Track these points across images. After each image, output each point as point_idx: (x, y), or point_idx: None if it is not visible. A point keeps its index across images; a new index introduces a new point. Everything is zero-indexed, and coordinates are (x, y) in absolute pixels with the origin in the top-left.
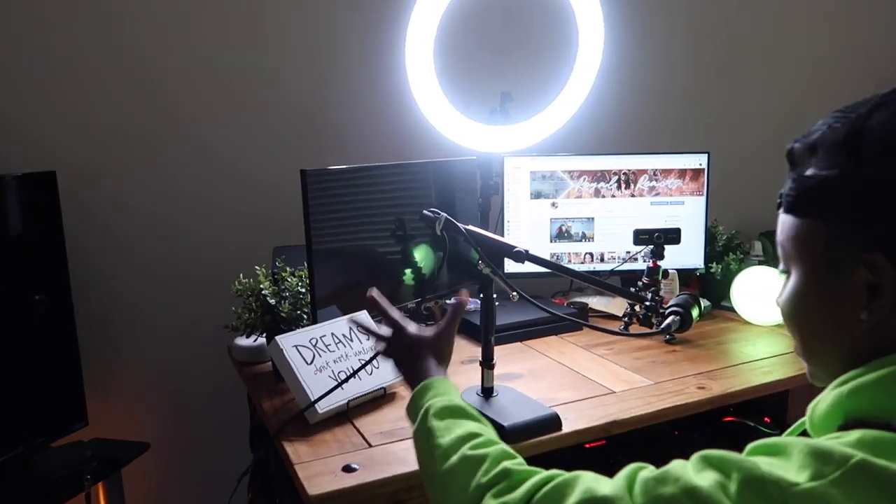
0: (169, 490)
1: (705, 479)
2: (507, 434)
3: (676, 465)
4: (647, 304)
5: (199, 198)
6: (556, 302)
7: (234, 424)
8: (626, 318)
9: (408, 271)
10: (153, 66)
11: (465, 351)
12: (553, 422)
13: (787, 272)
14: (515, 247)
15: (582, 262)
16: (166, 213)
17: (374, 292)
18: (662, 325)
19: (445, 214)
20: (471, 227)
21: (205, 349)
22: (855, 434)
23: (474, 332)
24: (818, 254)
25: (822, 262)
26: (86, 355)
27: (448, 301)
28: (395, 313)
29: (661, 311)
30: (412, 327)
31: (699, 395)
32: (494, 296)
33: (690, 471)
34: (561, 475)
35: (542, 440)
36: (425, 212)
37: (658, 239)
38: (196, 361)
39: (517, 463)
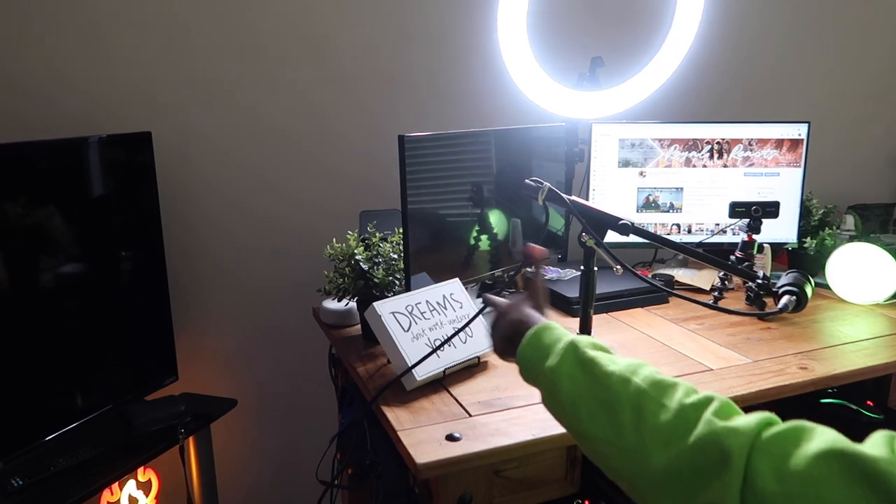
0: (254, 446)
1: None
2: None
3: None
4: (759, 281)
5: (294, 161)
6: (640, 272)
7: (317, 385)
8: (715, 293)
9: (486, 238)
10: (257, 33)
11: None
12: None
13: None
14: (621, 219)
15: (668, 234)
16: (259, 173)
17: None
18: (780, 306)
19: (549, 184)
20: (575, 198)
21: (290, 309)
22: None
23: (558, 303)
24: None
25: None
26: (176, 313)
27: (528, 269)
28: (497, 299)
29: (774, 290)
30: (506, 298)
31: (802, 376)
32: (595, 269)
33: None
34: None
35: None
36: (528, 181)
37: (756, 212)
38: (281, 322)
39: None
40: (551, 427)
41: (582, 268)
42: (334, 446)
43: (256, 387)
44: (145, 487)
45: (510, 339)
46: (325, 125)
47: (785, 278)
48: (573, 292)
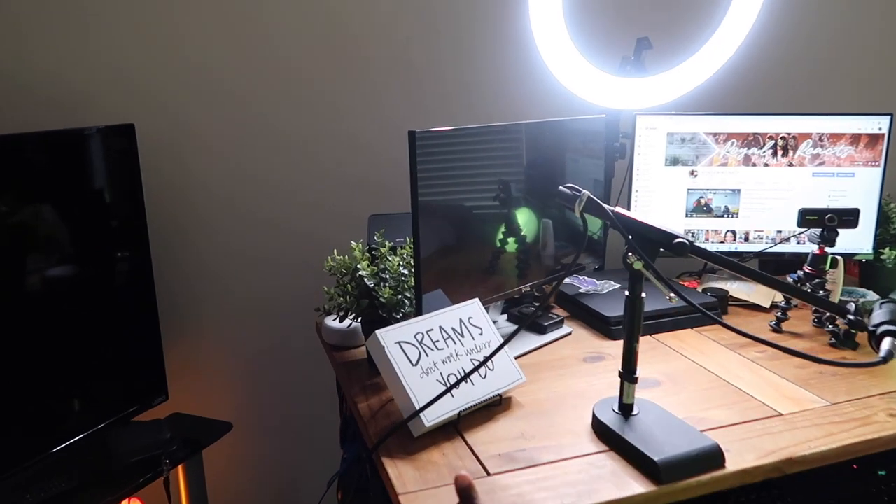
0: (251, 475)
1: None
2: (660, 471)
3: None
4: (851, 318)
5: (298, 158)
6: (687, 285)
7: (323, 409)
8: (778, 314)
9: (514, 240)
10: (254, 15)
11: (586, 344)
12: (714, 456)
13: None
14: (677, 236)
15: (722, 242)
16: (257, 172)
17: (468, 478)
18: (882, 354)
19: (588, 192)
20: (619, 210)
21: (293, 325)
22: None
23: (595, 322)
24: None
25: None
26: (165, 324)
27: None
28: None
29: (868, 327)
30: None
31: (893, 427)
32: (643, 295)
33: None
34: None
35: (701, 480)
36: (563, 188)
37: (830, 221)
38: (283, 339)
39: None
40: (587, 496)
41: (627, 294)
42: (335, 486)
43: (254, 408)
44: None
45: None
46: (334, 120)
47: (881, 313)
48: (612, 310)
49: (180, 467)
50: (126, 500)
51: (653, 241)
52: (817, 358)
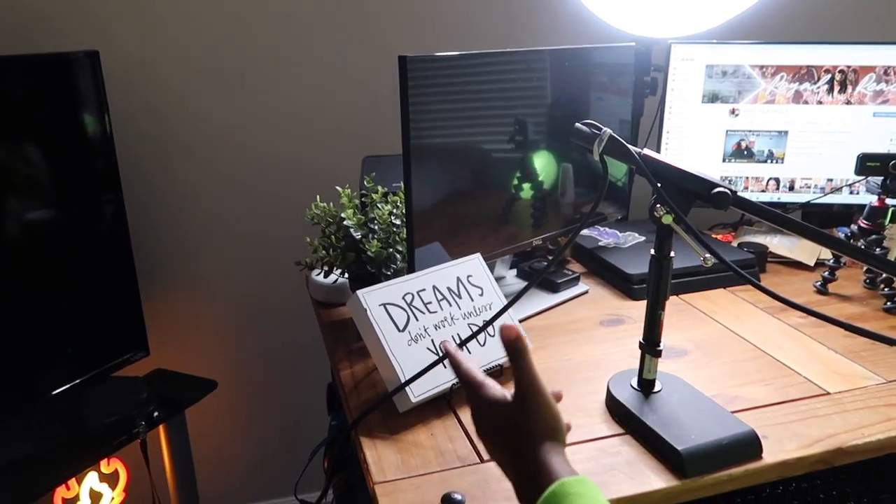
0: (237, 436)
1: None
2: (685, 463)
3: None
4: None
5: (277, 95)
6: (720, 239)
7: (314, 368)
8: (825, 273)
9: (529, 186)
10: None
11: (604, 304)
12: (749, 445)
13: None
14: (717, 184)
15: (763, 190)
16: (235, 111)
17: (450, 345)
18: None
19: (609, 130)
20: (647, 152)
21: (281, 278)
22: None
23: (615, 280)
24: None
25: None
26: (147, 279)
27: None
28: (474, 371)
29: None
30: (494, 390)
31: None
32: (672, 254)
33: None
34: None
35: (732, 474)
36: (580, 125)
37: (895, 169)
38: (272, 290)
39: None
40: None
41: (653, 253)
42: (320, 456)
43: (241, 366)
44: (110, 480)
45: (511, 476)
46: (323, 49)
47: None
48: (635, 266)
49: (161, 428)
50: (105, 460)
51: (686, 191)
52: (867, 331)
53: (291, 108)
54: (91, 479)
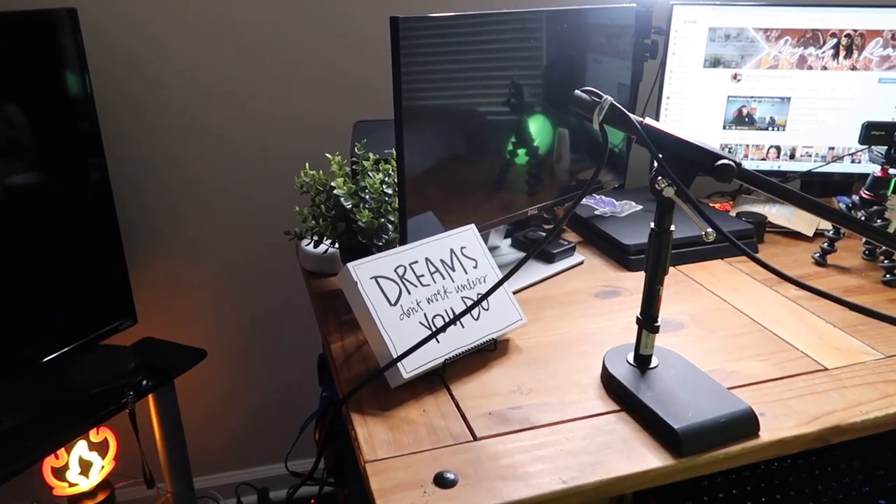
0: (228, 406)
1: None
2: (681, 442)
3: None
4: None
5: (269, 49)
6: (718, 208)
7: (304, 336)
8: (824, 245)
9: (524, 152)
10: None
11: (600, 275)
12: (746, 423)
13: None
14: (721, 156)
15: (763, 159)
16: (224, 66)
17: None
18: None
19: (610, 98)
20: (650, 121)
21: (272, 243)
22: None
23: (611, 250)
24: None
25: None
26: (135, 244)
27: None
28: None
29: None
30: None
31: None
32: (673, 228)
33: None
34: None
35: (729, 453)
36: (579, 92)
37: None
38: (260, 258)
39: None
40: (591, 469)
41: (652, 226)
42: (311, 428)
43: (231, 334)
44: (100, 448)
45: None
46: (314, 3)
47: None
48: (631, 237)
49: (150, 397)
50: (94, 430)
51: (689, 162)
52: (866, 309)
53: (283, 61)
54: (80, 448)
